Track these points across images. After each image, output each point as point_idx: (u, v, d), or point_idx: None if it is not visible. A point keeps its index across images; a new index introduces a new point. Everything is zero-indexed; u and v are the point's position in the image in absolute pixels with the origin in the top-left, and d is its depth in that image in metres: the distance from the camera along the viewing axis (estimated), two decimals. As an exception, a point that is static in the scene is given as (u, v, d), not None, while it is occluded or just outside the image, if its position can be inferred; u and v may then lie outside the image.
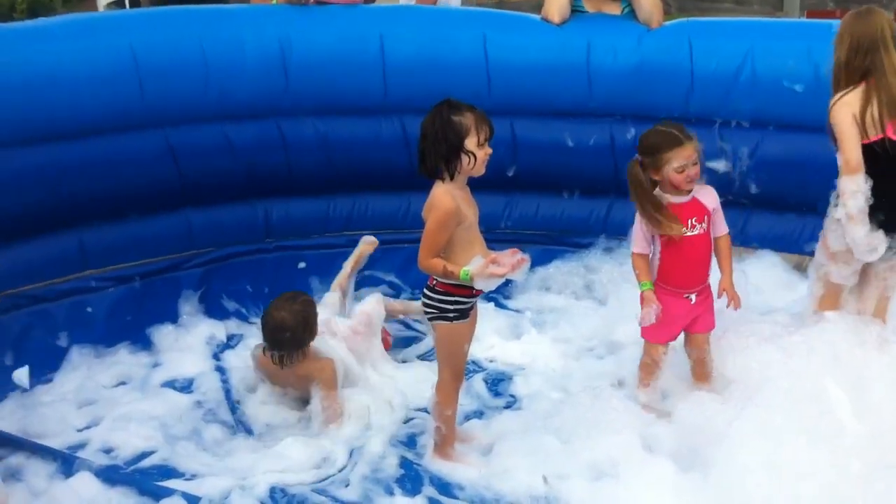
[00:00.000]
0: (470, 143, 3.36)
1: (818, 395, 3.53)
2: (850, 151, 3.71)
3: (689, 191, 3.69)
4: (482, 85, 4.96)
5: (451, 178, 3.40)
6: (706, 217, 3.71)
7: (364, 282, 5.07)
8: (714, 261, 3.83)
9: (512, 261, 3.45)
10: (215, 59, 4.67)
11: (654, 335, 3.84)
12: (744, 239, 5.05)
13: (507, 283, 4.93)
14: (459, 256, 3.42)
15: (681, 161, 3.61)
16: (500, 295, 4.97)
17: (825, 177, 4.75)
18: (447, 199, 3.38)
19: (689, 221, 3.68)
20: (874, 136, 3.68)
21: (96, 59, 4.40)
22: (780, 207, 5.04)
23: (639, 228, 3.75)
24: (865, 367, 3.69)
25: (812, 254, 4.87)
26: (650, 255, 3.79)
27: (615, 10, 5.21)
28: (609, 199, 5.20)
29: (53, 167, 4.33)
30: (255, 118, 4.83)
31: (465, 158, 3.37)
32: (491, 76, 4.98)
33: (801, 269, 4.93)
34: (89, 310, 4.55)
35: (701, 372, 3.91)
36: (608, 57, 4.98)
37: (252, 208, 5.01)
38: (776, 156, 4.92)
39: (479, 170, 3.43)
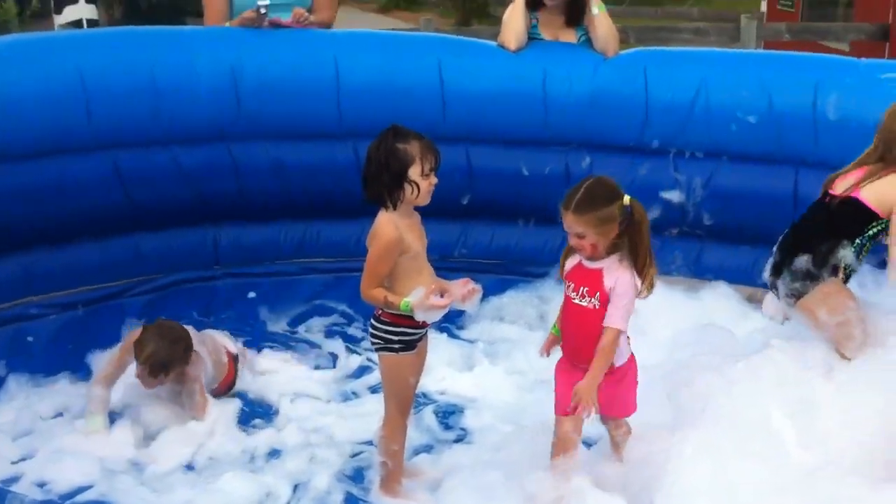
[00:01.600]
0: (414, 172, 3.30)
1: (763, 421, 3.51)
2: None
3: (588, 258, 3.34)
4: (437, 111, 4.91)
5: (395, 207, 3.35)
6: (598, 295, 3.30)
7: (315, 311, 4.99)
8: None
9: (462, 291, 3.41)
10: (165, 81, 4.59)
11: (558, 404, 3.46)
12: (697, 270, 5.05)
13: (460, 313, 4.97)
14: (404, 286, 3.36)
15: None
16: (453, 325, 4.90)
17: (778, 209, 4.85)
18: (390, 227, 3.32)
19: (581, 289, 3.34)
20: None
21: (41, 79, 4.30)
22: (733, 239, 5.02)
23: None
24: (812, 392, 3.66)
25: (764, 286, 4.96)
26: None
27: (571, 38, 5.20)
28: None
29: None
30: (205, 142, 4.74)
31: (408, 188, 3.32)
32: (446, 102, 4.93)
33: (753, 300, 4.92)
34: (30, 339, 4.44)
35: (615, 449, 3.62)
36: (564, 85, 4.96)
37: (202, 234, 4.92)
38: (729, 187, 4.91)
39: (424, 200, 3.38)
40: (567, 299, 3.41)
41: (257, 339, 4.74)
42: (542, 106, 4.98)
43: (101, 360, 4.22)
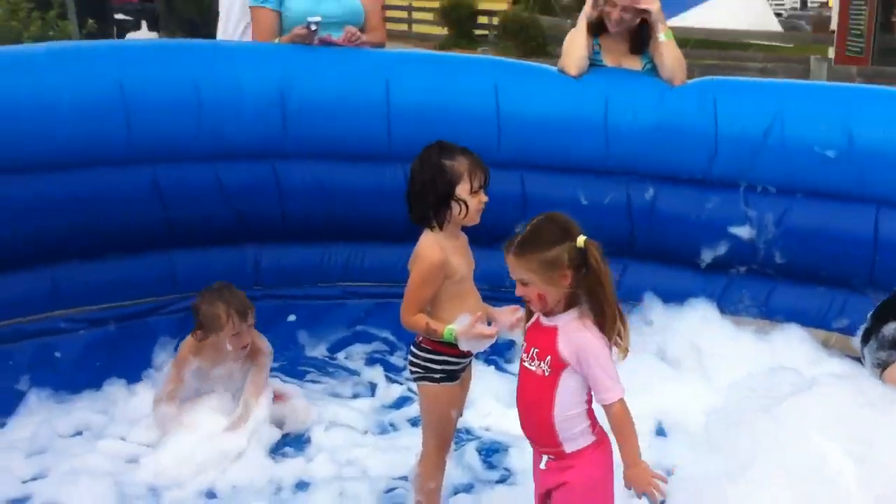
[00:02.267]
0: (461, 190, 3.07)
1: (816, 463, 3.21)
2: None
3: (542, 312, 2.83)
4: (492, 136, 4.67)
5: (441, 228, 3.11)
6: (548, 359, 2.76)
7: (356, 337, 4.76)
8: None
9: (511, 318, 3.15)
10: (210, 96, 4.42)
11: None
12: (768, 311, 4.72)
13: (509, 343, 4.67)
14: (448, 312, 3.10)
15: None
16: (500, 357, 4.63)
17: (857, 250, 4.52)
18: (434, 250, 3.08)
19: (532, 350, 2.84)
20: None
21: (80, 88, 4.16)
22: (807, 280, 4.69)
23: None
24: (869, 429, 3.36)
25: (840, 331, 4.61)
26: None
27: (636, 65, 4.95)
28: (623, 260, 4.88)
29: (28, 199, 4.09)
30: (249, 160, 4.56)
31: (455, 207, 3.08)
32: (501, 127, 4.70)
33: (828, 345, 4.58)
34: (57, 354, 4.26)
35: None
36: (627, 113, 4.69)
37: (242, 253, 4.73)
38: (805, 225, 4.59)
39: (473, 219, 3.13)
40: (521, 362, 2.90)
41: (295, 364, 4.53)
42: (602, 133, 4.72)
43: (159, 380, 4.09)
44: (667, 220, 4.76)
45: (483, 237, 3.34)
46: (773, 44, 19.10)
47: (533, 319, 2.88)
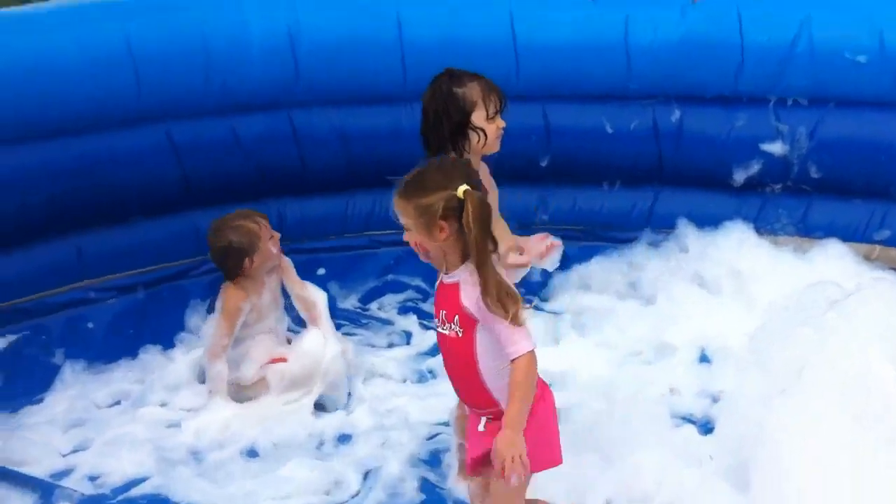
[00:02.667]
0: (477, 117, 2.96)
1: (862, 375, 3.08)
2: None
3: (441, 269, 2.62)
4: (510, 67, 4.54)
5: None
6: (457, 319, 2.55)
7: (387, 287, 4.69)
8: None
9: (541, 247, 3.06)
10: (217, 45, 4.32)
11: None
12: (806, 228, 4.60)
13: (543, 282, 4.61)
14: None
15: None
16: (535, 296, 4.54)
17: (894, 157, 4.37)
18: None
19: (441, 313, 2.60)
20: None
21: (87, 48, 4.07)
22: (845, 193, 4.55)
23: None
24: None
25: (882, 243, 4.48)
26: None
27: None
28: (654, 189, 4.77)
29: (44, 167, 4.03)
30: (263, 110, 4.47)
31: (473, 136, 2.96)
32: (519, 57, 4.57)
33: (870, 259, 4.46)
34: (90, 325, 4.23)
35: None
36: (648, 31, 4.52)
37: (264, 208, 4.58)
38: (839, 136, 4.46)
39: (493, 146, 3.02)
40: (436, 329, 2.69)
41: (328, 318, 4.45)
42: (624, 56, 4.56)
43: (206, 331, 3.97)
44: (695, 142, 4.63)
45: (507, 174, 3.23)
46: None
47: (438, 281, 2.66)
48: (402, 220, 2.57)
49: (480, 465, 2.67)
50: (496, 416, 2.61)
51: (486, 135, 2.97)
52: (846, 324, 3.28)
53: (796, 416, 3.04)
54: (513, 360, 2.50)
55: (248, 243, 3.81)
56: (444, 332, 2.62)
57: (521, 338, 2.49)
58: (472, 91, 2.96)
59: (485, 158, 3.11)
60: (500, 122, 3.01)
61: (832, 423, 2.97)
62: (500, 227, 3.09)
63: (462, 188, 2.47)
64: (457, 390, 2.75)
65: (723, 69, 4.51)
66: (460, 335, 2.56)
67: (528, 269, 3.02)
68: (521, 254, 3.04)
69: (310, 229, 4.72)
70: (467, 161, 2.82)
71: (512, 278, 2.99)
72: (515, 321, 2.47)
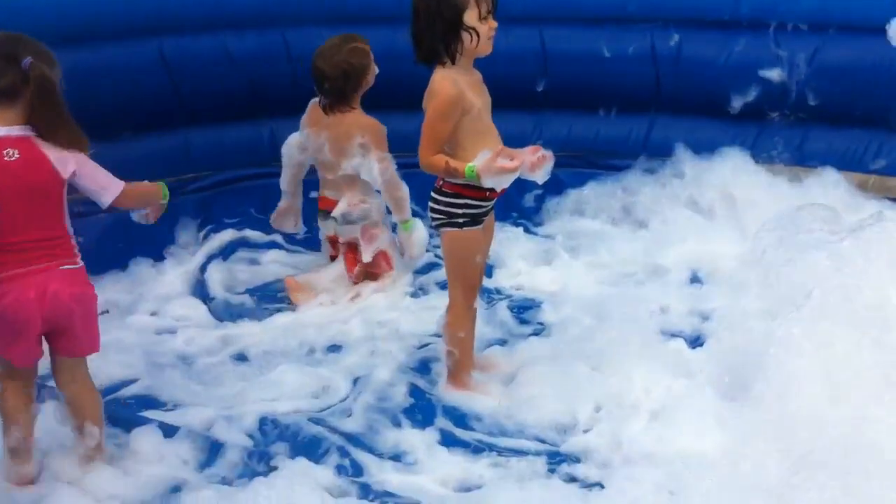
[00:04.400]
0: (470, 17, 2.92)
1: (879, 305, 3.04)
2: None
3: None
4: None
5: (453, 62, 2.97)
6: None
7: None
8: None
9: (532, 158, 3.00)
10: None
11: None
12: (802, 157, 4.57)
13: (536, 207, 4.58)
14: (467, 151, 2.98)
15: None
16: (529, 221, 4.53)
17: (894, 85, 4.32)
18: (447, 84, 2.95)
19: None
20: None
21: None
22: (842, 121, 4.52)
23: None
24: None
25: (877, 172, 4.45)
26: None
27: None
28: (649, 115, 4.73)
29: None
30: (256, 27, 4.42)
31: (465, 36, 2.93)
32: (516, -23, 4.50)
33: (865, 188, 4.43)
34: (80, 238, 4.17)
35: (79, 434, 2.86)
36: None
37: (257, 128, 4.60)
38: (838, 62, 4.42)
39: (485, 48, 2.98)
40: None
41: (318, 240, 4.41)
42: (622, -23, 4.51)
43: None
44: (694, 67, 4.59)
45: (503, 98, 3.19)
46: None
47: None
48: None
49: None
50: None
51: (478, 35, 2.93)
52: (862, 254, 3.25)
53: (808, 336, 3.01)
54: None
55: (365, 66, 3.96)
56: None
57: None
58: None
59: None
60: (493, 23, 2.97)
61: (851, 349, 2.93)
62: (492, 136, 3.08)
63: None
64: None
65: (721, -8, 4.47)
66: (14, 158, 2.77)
67: (517, 174, 2.97)
68: (511, 160, 2.99)
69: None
70: None
71: (500, 184, 2.97)
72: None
